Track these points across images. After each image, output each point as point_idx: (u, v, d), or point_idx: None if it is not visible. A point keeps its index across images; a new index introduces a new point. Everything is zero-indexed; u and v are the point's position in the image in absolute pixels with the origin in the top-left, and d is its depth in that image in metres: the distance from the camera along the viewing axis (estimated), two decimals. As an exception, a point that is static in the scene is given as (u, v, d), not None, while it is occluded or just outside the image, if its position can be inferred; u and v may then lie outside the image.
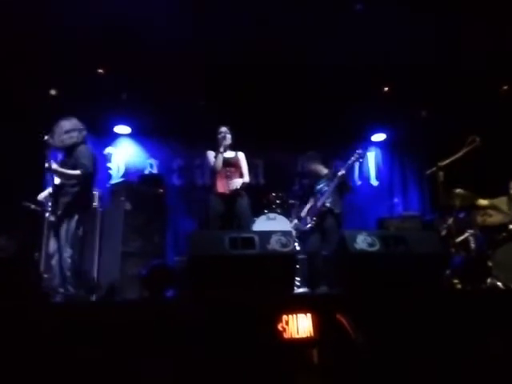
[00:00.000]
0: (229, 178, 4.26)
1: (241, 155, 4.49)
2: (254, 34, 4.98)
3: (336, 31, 5.00)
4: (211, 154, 4.38)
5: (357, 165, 4.55)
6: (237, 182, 4.24)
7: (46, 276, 3.37)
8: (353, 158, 4.55)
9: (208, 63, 5.42)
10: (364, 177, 7.39)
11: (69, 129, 3.77)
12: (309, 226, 4.45)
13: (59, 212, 3.51)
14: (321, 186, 4.62)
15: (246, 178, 4.41)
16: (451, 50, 5.19)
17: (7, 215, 3.63)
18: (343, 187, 4.55)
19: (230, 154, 4.41)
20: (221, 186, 4.26)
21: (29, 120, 5.44)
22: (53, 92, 5.73)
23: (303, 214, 4.68)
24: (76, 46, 4.96)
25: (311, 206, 4.60)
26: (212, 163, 4.31)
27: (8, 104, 5.22)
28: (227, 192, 4.22)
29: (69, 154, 3.74)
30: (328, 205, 4.39)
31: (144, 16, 4.61)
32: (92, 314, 2.28)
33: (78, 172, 3.57)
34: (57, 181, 3.59)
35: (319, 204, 4.43)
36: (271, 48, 5.26)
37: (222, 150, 4.28)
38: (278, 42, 5.16)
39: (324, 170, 4.77)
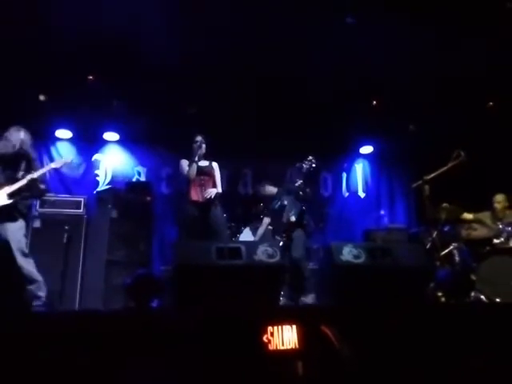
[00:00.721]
0: (202, 186, 4.29)
1: (215, 165, 4.55)
2: (244, 44, 5.02)
3: (325, 44, 5.08)
4: (185, 163, 4.43)
5: (312, 171, 4.60)
6: (211, 192, 4.27)
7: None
8: (305, 166, 4.58)
9: (197, 72, 5.45)
10: (351, 189, 7.45)
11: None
12: (281, 243, 4.43)
13: None
14: (278, 204, 4.71)
15: (219, 188, 4.46)
16: (439, 64, 5.28)
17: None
18: (302, 197, 4.61)
19: (204, 162, 4.45)
20: (194, 194, 4.29)
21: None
22: (42, 97, 5.69)
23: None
24: (66, 52, 4.96)
25: (277, 224, 4.66)
26: (186, 171, 4.35)
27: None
28: (201, 200, 4.25)
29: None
30: (293, 218, 4.44)
31: (133, 24, 4.62)
32: (75, 323, 2.24)
33: None
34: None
35: (284, 220, 4.47)
36: (261, 58, 5.31)
37: (196, 158, 4.32)
38: (268, 53, 5.21)
39: (274, 189, 4.96)
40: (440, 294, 3.29)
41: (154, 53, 4.95)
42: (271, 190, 5.04)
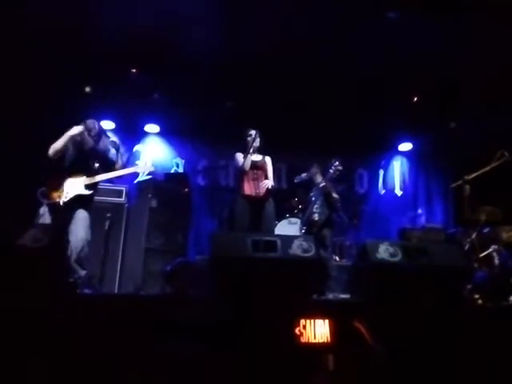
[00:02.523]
0: (256, 180, 4.29)
1: (268, 159, 4.52)
2: (282, 38, 5.03)
3: (366, 38, 5.02)
4: (239, 156, 4.41)
5: (337, 175, 4.62)
6: (267, 183, 4.26)
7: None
8: (331, 171, 4.60)
9: (237, 65, 5.51)
10: (388, 186, 7.34)
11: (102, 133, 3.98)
12: (302, 231, 4.55)
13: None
14: (311, 194, 4.73)
15: (272, 182, 4.44)
16: (482, 60, 5.11)
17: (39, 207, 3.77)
18: (330, 201, 4.62)
19: (257, 157, 4.44)
20: (247, 189, 4.28)
21: (63, 117, 5.64)
22: (87, 89, 5.92)
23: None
24: (111, 46, 5.12)
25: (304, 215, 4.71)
26: (240, 164, 4.35)
27: (43, 101, 5.40)
28: (253, 194, 4.25)
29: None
30: (316, 217, 4.46)
31: (175, 17, 4.73)
32: (116, 306, 2.37)
33: None
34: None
35: (307, 213, 4.51)
36: (299, 52, 5.31)
37: (250, 150, 4.31)
38: (306, 47, 5.21)
39: (319, 179, 4.87)
40: (477, 296, 3.22)
41: (195, 46, 5.05)
42: (317, 178, 4.96)
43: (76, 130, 3.77)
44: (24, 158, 5.06)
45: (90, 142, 3.82)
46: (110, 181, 5.55)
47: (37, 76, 5.25)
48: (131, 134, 6.65)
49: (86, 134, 3.80)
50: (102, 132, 3.97)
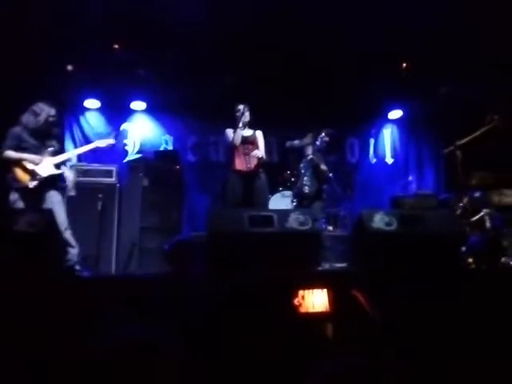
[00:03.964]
0: (247, 155, 4.27)
1: (258, 133, 4.49)
2: (271, 11, 4.91)
3: (351, 3, 4.90)
4: (230, 132, 4.38)
5: (324, 146, 4.68)
6: (257, 153, 4.24)
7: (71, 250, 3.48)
8: (317, 143, 4.67)
9: (224, 39, 5.38)
10: (379, 155, 7.35)
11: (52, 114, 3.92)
12: (294, 204, 4.59)
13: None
14: (301, 166, 4.75)
15: (264, 156, 4.43)
16: (470, 22, 5.04)
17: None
18: (319, 173, 4.64)
19: (248, 131, 4.40)
20: (239, 164, 4.28)
21: (46, 96, 5.49)
22: (69, 68, 5.75)
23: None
24: (91, 21, 4.95)
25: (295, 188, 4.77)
26: (230, 139, 4.32)
27: (25, 80, 5.25)
28: (245, 169, 4.25)
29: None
30: (306, 190, 4.50)
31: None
32: (116, 287, 2.37)
33: None
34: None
35: (298, 186, 4.55)
36: (286, 26, 5.19)
37: (240, 125, 4.27)
38: (293, 16, 5.08)
39: (309, 151, 4.93)
40: (471, 260, 3.29)
41: (181, 19, 4.91)
42: (307, 149, 5.00)
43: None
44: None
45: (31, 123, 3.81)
46: (97, 160, 5.51)
47: (19, 54, 5.08)
48: (117, 112, 6.52)
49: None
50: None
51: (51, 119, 3.86)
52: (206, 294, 2.36)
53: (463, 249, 3.28)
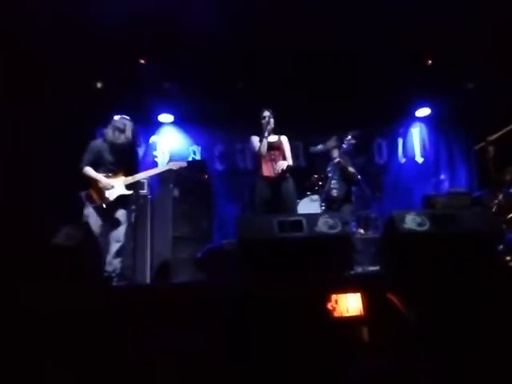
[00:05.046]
0: (273, 161, 4.27)
1: (284, 139, 4.49)
2: (292, 16, 4.94)
3: (376, 5, 4.88)
4: (255, 139, 4.39)
5: (351, 149, 4.62)
6: (282, 164, 4.24)
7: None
8: (344, 146, 4.60)
9: (245, 48, 5.45)
10: (408, 154, 7.22)
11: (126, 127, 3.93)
12: (322, 208, 4.56)
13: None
14: (328, 170, 4.71)
15: (290, 161, 4.43)
16: (497, 17, 4.91)
17: (73, 204, 3.86)
18: (347, 176, 4.59)
19: (273, 137, 4.41)
20: (266, 170, 4.29)
21: (78, 113, 5.69)
22: (99, 85, 5.95)
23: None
24: (117, 37, 5.11)
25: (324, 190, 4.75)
26: (256, 148, 4.32)
27: (56, 98, 5.46)
28: (273, 175, 4.25)
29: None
30: (335, 193, 4.46)
31: (183, 3, 4.68)
32: (152, 295, 2.43)
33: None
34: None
35: (325, 189, 4.51)
36: (308, 28, 5.20)
37: (266, 134, 4.27)
38: (317, 15, 5.08)
39: (335, 154, 4.88)
40: (508, 258, 3.19)
41: (202, 30, 4.99)
42: (334, 152, 4.97)
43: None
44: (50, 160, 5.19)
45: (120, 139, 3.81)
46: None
47: (47, 74, 5.29)
48: (146, 126, 6.70)
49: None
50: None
51: (134, 135, 3.90)
52: (238, 300, 2.38)
53: (500, 247, 3.19)
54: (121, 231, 3.72)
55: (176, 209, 4.77)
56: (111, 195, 3.71)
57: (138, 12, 4.73)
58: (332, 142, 5.01)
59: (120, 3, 4.58)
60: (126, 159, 3.90)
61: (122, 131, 3.79)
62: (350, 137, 4.58)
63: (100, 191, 3.71)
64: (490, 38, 5.21)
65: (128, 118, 3.95)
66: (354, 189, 5.03)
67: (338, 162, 4.64)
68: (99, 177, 3.71)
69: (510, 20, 4.89)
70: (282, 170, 4.23)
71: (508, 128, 4.04)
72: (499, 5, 4.72)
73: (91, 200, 3.70)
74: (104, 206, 3.69)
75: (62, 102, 5.46)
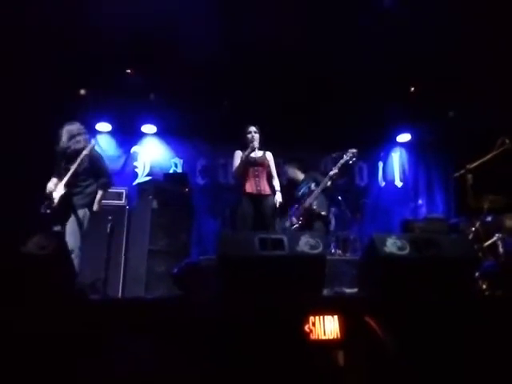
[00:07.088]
0: (257, 177, 4.27)
1: (269, 155, 4.49)
2: (278, 36, 5.01)
3: (360, 32, 4.99)
4: (238, 154, 4.38)
5: (350, 164, 4.63)
6: (277, 202, 4.27)
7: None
8: (345, 157, 4.55)
9: (233, 65, 5.48)
10: (388, 178, 7.33)
11: (75, 133, 3.93)
12: (295, 226, 4.52)
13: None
14: (302, 189, 4.72)
15: (276, 180, 4.44)
16: (479, 48, 5.09)
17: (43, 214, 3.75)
18: (329, 188, 4.62)
19: (258, 153, 4.40)
20: (249, 187, 4.27)
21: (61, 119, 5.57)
22: (82, 92, 5.87)
23: (289, 214, 4.83)
24: (104, 46, 5.08)
25: (295, 208, 4.75)
26: (239, 163, 4.31)
27: (36, 104, 5.35)
28: (255, 192, 4.23)
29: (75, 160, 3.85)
30: (315, 207, 4.47)
31: (171, 17, 4.69)
32: (126, 310, 2.34)
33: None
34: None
35: (306, 204, 4.50)
36: (295, 51, 5.28)
37: (250, 149, 4.26)
38: (301, 44, 5.18)
39: (301, 176, 4.97)
40: (484, 286, 3.22)
41: (190, 45, 5.00)
42: (298, 175, 5.02)
43: None
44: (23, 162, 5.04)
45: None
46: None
47: (32, 78, 5.19)
48: (128, 136, 6.63)
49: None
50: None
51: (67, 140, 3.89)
52: (214, 318, 2.32)
53: (476, 274, 3.22)
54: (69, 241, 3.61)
55: (154, 221, 4.67)
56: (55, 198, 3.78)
57: (126, 23, 4.72)
58: (297, 173, 5.10)
59: (110, 13, 4.57)
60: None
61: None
62: (354, 150, 4.56)
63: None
64: (472, 67, 5.37)
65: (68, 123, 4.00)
66: (332, 209, 5.06)
67: (335, 173, 4.56)
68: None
69: (492, 51, 5.06)
70: (270, 185, 4.31)
71: (487, 157, 4.12)
72: (481, 36, 4.89)
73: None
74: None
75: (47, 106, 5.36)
